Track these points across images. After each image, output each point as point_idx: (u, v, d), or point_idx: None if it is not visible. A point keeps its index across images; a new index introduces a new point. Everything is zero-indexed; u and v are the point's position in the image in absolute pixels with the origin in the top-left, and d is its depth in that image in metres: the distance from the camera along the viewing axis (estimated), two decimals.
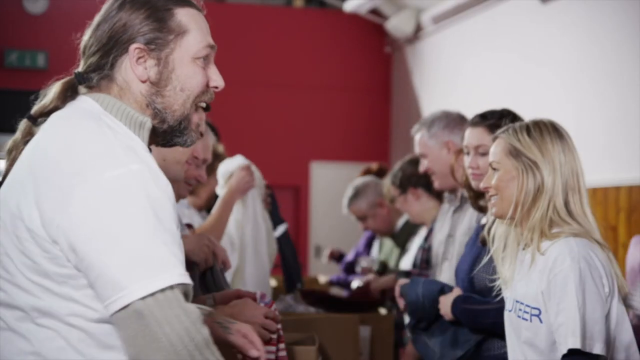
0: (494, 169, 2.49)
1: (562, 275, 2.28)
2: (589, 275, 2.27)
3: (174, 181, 2.07)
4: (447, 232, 3.46)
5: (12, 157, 1.75)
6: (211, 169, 3.48)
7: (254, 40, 9.14)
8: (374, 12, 8.96)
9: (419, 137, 3.67)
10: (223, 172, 3.55)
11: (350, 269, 5.34)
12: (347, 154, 9.39)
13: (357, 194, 4.98)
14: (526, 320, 2.37)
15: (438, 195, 4.21)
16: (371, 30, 9.37)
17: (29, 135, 1.75)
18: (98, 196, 1.54)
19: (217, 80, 1.80)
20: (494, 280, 2.57)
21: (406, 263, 4.41)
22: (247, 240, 3.51)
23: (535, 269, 2.36)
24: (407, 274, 3.79)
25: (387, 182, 4.54)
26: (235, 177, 3.47)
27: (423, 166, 3.67)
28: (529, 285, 2.37)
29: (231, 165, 3.55)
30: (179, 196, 2.55)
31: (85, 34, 1.77)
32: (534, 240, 2.38)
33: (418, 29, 8.64)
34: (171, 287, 1.52)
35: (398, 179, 4.34)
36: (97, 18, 1.76)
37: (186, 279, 1.56)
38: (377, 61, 9.54)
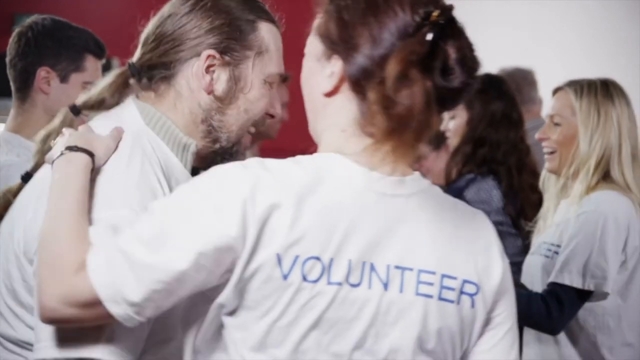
0: (555, 124, 2.41)
1: (585, 216, 2.29)
2: (612, 225, 2.27)
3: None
4: None
5: (45, 148, 1.55)
6: None
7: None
8: None
9: None
10: None
11: None
12: None
13: None
14: (548, 257, 2.38)
15: None
16: None
17: (68, 127, 1.55)
18: None
19: (276, 108, 1.63)
20: None
21: None
22: None
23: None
24: None
25: None
26: None
27: None
28: (559, 226, 2.37)
29: None
30: None
31: (148, 23, 1.58)
32: (579, 193, 2.34)
33: None
34: None
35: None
36: (165, 10, 1.57)
37: None
38: None
